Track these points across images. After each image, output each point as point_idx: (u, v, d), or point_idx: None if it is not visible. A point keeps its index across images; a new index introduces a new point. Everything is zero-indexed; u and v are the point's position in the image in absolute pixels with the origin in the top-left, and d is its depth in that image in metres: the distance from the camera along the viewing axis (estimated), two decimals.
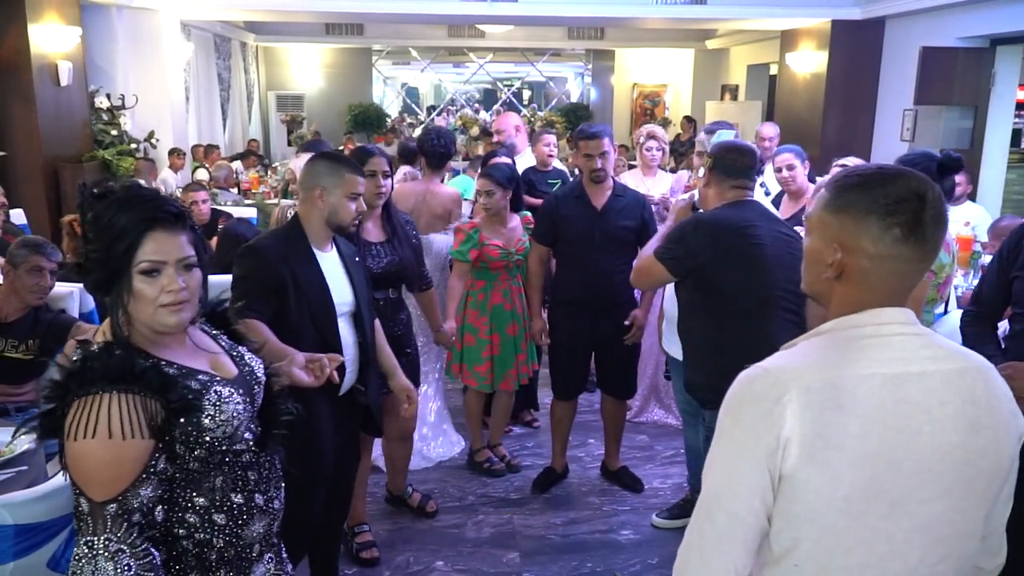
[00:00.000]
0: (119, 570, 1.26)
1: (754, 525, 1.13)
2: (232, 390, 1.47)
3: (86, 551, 1.26)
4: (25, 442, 2.43)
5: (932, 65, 6.70)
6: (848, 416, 1.09)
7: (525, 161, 4.78)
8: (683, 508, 3.39)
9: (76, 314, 3.17)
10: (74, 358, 1.35)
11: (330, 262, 2.44)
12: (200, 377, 1.44)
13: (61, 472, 1.36)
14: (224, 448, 1.45)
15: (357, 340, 2.47)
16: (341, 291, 2.42)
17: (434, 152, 3.91)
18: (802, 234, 3.54)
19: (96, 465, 1.27)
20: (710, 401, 2.43)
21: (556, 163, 4.77)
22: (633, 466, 3.82)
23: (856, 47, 8.01)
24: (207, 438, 1.41)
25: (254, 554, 1.52)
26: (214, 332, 1.61)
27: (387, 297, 2.99)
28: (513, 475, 3.81)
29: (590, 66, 14.34)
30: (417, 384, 3.18)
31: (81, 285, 3.28)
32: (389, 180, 3.00)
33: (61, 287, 3.15)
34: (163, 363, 1.40)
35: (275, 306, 2.25)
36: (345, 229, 2.47)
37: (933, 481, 1.11)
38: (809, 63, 8.59)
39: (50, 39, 6.28)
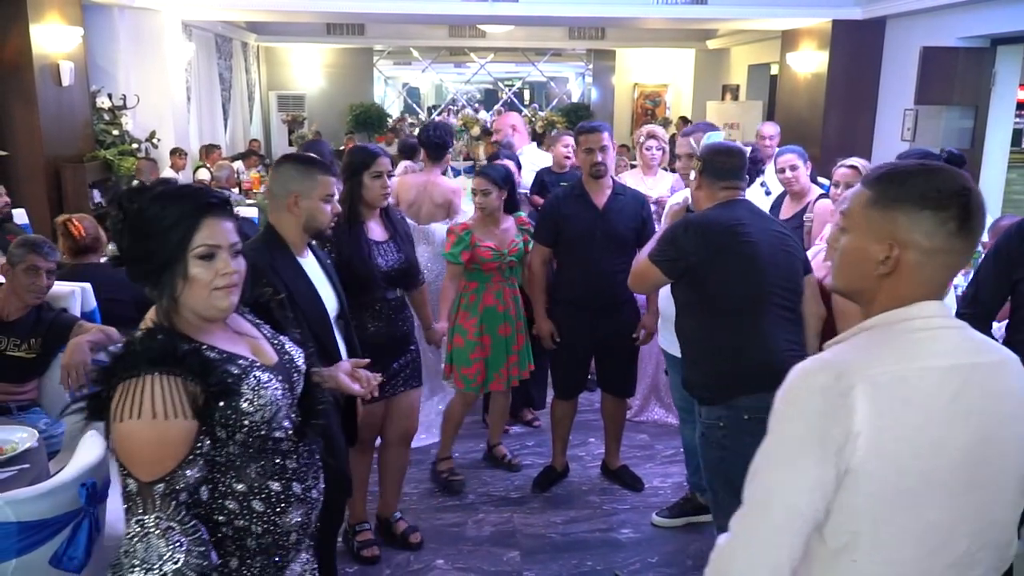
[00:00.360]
0: (171, 546, 1.30)
1: (810, 520, 1.12)
2: (271, 376, 1.51)
3: (138, 529, 1.30)
4: (28, 440, 2.45)
5: (933, 65, 6.70)
6: (912, 409, 1.12)
7: (524, 162, 4.80)
8: (683, 507, 3.40)
9: (78, 313, 3.18)
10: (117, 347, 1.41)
11: (312, 268, 2.40)
12: (240, 362, 1.47)
13: (109, 455, 1.42)
14: (263, 433, 1.48)
15: (345, 342, 2.44)
16: (328, 296, 2.40)
17: (431, 143, 4.05)
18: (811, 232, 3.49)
19: (141, 445, 1.32)
20: (706, 399, 2.44)
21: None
22: (633, 465, 3.83)
23: (857, 47, 8.01)
24: (246, 422, 1.44)
25: (291, 542, 1.54)
26: (256, 321, 1.65)
27: (396, 296, 2.98)
28: (513, 474, 3.82)
29: (591, 66, 14.33)
30: (419, 384, 3.18)
31: (82, 285, 3.30)
32: (393, 179, 3.02)
33: (62, 286, 3.15)
34: (204, 347, 1.44)
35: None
36: (322, 234, 2.43)
37: (981, 471, 1.14)
38: (810, 63, 8.59)
39: (52, 39, 6.29)
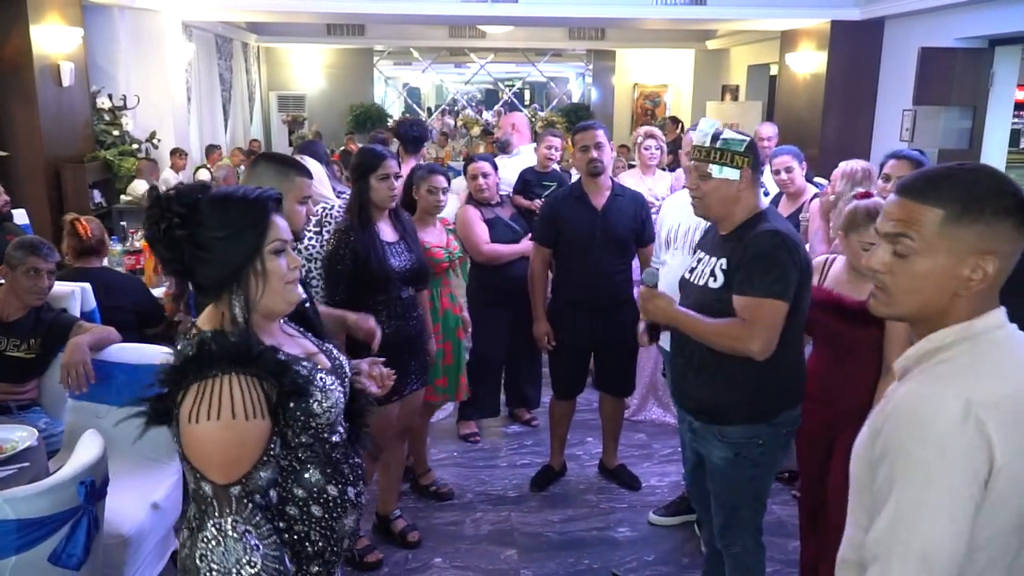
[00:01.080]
0: (247, 550, 1.29)
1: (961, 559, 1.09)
2: (334, 378, 1.52)
3: (215, 532, 1.29)
4: (28, 439, 2.46)
5: (931, 65, 6.72)
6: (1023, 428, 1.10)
7: (521, 162, 4.81)
8: (679, 506, 3.41)
9: (77, 313, 3.19)
10: (180, 346, 1.40)
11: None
12: (305, 363, 1.48)
13: (180, 461, 1.36)
14: (325, 436, 1.48)
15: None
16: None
17: (408, 136, 4.23)
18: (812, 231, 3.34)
19: (220, 447, 1.29)
20: (742, 418, 2.21)
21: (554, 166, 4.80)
22: (631, 464, 3.85)
23: (855, 47, 8.03)
24: (313, 424, 1.44)
25: (344, 548, 1.54)
26: (300, 329, 1.66)
27: (409, 294, 2.99)
28: (511, 473, 3.84)
29: (591, 66, 14.36)
30: (427, 382, 3.24)
31: (82, 285, 3.31)
32: (400, 181, 3.04)
33: (62, 286, 3.16)
34: (271, 349, 1.43)
35: None
36: (298, 235, 2.36)
37: None
38: (809, 63, 8.61)
39: (52, 40, 6.31)
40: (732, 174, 2.13)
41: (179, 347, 1.42)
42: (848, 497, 1.31)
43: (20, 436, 2.47)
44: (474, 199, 3.90)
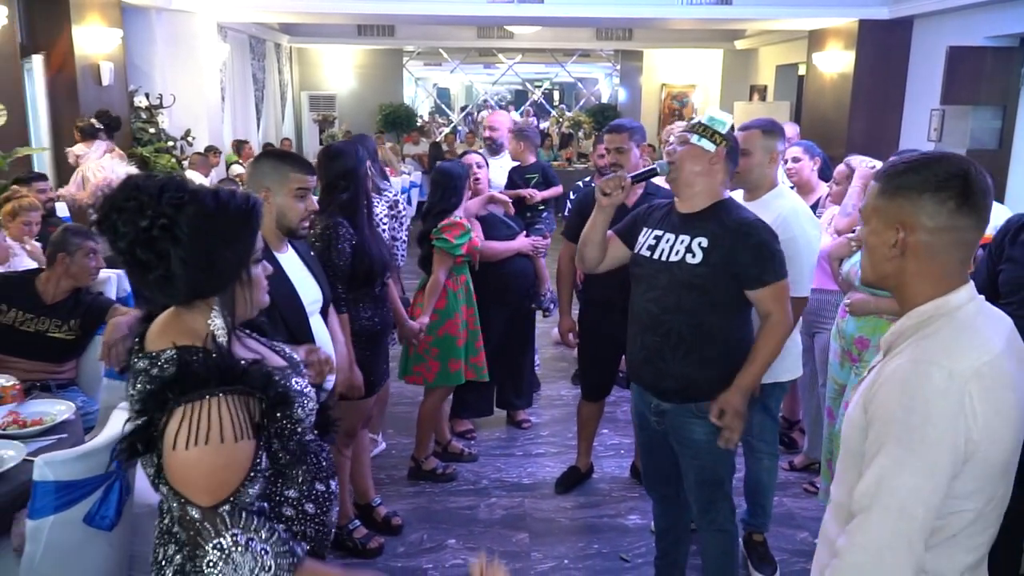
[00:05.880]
0: (257, 557, 1.24)
1: (939, 512, 1.21)
2: (302, 379, 1.48)
3: (218, 554, 1.22)
4: (65, 412, 2.62)
5: (959, 64, 6.67)
6: (1007, 390, 1.23)
7: (507, 163, 4.93)
8: None
9: (113, 297, 3.36)
10: (142, 365, 1.31)
11: (289, 261, 2.39)
12: (279, 370, 1.42)
13: (153, 486, 1.31)
14: (308, 438, 1.47)
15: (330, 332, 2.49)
16: (308, 289, 2.41)
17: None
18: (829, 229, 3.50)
19: (208, 471, 1.22)
20: (705, 394, 2.34)
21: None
22: None
23: (884, 47, 7.98)
24: (299, 429, 1.40)
25: (331, 539, 1.54)
26: (244, 331, 1.56)
27: (383, 287, 3.09)
28: (526, 462, 3.93)
29: (618, 67, 14.40)
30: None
31: (118, 272, 3.49)
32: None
33: (102, 272, 3.34)
34: (255, 362, 1.36)
35: None
36: (295, 232, 2.36)
37: None
38: (836, 63, 8.57)
39: (93, 40, 6.55)
40: (708, 145, 2.31)
41: (142, 366, 1.31)
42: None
43: (58, 410, 2.64)
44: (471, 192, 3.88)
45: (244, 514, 1.25)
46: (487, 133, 4.56)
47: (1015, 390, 1.24)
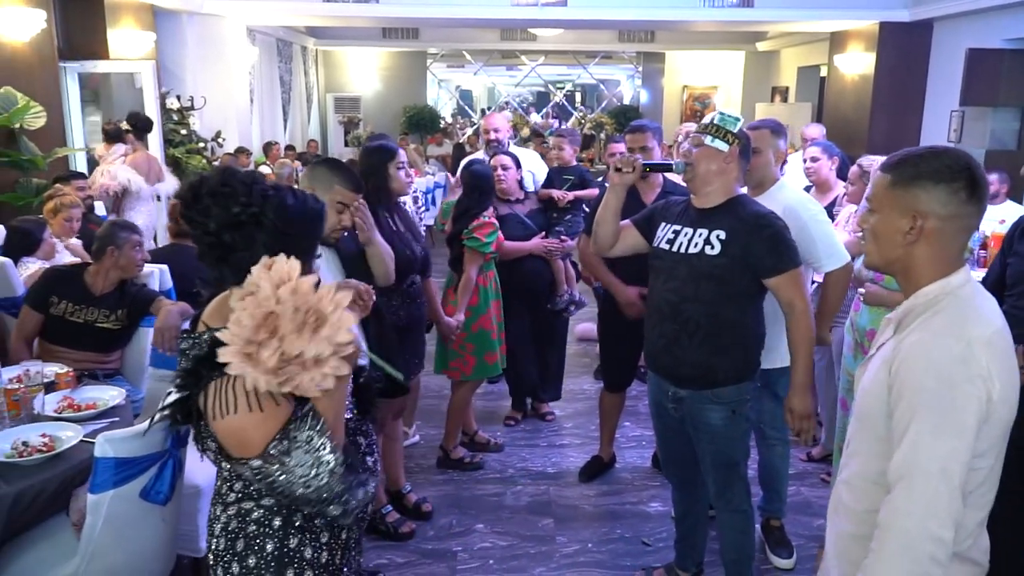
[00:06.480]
0: (313, 447, 1.32)
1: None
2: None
3: (277, 466, 1.31)
4: (116, 397, 2.77)
5: (978, 66, 6.71)
6: (1008, 358, 1.36)
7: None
8: None
9: (156, 289, 3.53)
10: (185, 345, 1.42)
11: (323, 263, 2.43)
12: None
13: (202, 456, 1.45)
14: (346, 416, 1.51)
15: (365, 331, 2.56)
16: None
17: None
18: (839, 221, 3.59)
19: (251, 427, 1.32)
20: (736, 378, 2.46)
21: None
22: None
23: (904, 49, 8.03)
24: None
25: (367, 513, 1.63)
26: None
27: (417, 283, 3.22)
28: (551, 451, 4.05)
29: (640, 68, 14.46)
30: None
31: (160, 267, 3.65)
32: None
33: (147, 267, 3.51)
34: None
35: None
36: (326, 239, 2.43)
37: None
38: (857, 65, 8.62)
39: (127, 44, 6.76)
40: (721, 145, 2.40)
41: (184, 347, 1.43)
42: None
43: (110, 395, 2.79)
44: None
45: (297, 431, 1.33)
46: (491, 136, 4.56)
47: (1012, 362, 1.37)
